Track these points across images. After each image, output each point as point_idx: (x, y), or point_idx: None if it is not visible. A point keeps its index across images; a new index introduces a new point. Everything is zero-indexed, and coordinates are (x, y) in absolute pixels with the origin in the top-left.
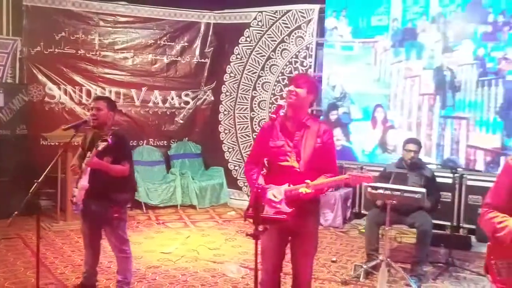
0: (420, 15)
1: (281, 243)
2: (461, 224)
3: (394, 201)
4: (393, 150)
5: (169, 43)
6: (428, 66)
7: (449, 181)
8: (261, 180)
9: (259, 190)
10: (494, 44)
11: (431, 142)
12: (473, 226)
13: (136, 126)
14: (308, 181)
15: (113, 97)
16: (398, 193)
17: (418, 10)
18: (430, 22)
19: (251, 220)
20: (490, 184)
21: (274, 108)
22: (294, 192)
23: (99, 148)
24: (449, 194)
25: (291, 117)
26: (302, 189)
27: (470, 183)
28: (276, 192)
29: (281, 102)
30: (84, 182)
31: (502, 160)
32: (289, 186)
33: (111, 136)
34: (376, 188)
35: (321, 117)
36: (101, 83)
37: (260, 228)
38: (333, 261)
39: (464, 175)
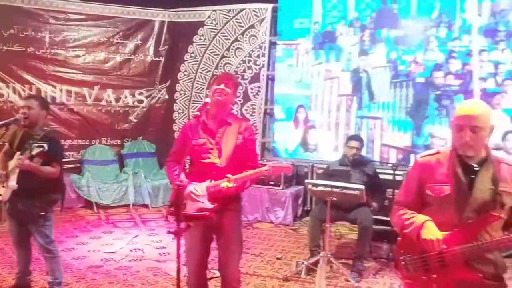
0: (339, 19)
1: (205, 241)
2: None
3: (333, 198)
4: (314, 149)
5: (122, 41)
6: (346, 68)
7: (390, 177)
8: (182, 177)
9: (180, 187)
10: (405, 48)
11: None
12: None
13: (88, 125)
14: (229, 175)
15: (64, 96)
16: (338, 190)
17: (336, 14)
18: (347, 26)
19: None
20: None
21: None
22: (216, 188)
23: (33, 153)
24: (391, 190)
25: (214, 115)
26: (224, 184)
27: None
28: (198, 189)
29: (207, 100)
30: (13, 182)
31: (412, 157)
32: (210, 182)
33: (48, 143)
34: (316, 185)
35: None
36: (51, 81)
37: (182, 225)
38: (278, 258)
39: (406, 172)
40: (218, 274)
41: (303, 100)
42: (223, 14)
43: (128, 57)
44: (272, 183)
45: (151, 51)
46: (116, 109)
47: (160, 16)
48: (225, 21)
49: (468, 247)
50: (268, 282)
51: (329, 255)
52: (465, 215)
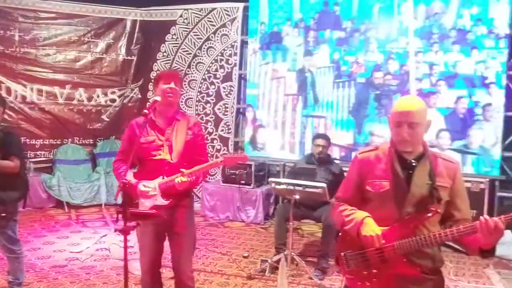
0: (285, 20)
1: (157, 239)
2: None
3: (296, 196)
4: (262, 148)
5: (94, 40)
6: (292, 68)
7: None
8: (130, 177)
9: (126, 186)
10: (347, 49)
11: (294, 140)
12: None
13: (59, 124)
14: (183, 170)
15: (35, 95)
16: (300, 188)
17: (282, 15)
18: (293, 27)
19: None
20: None
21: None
22: (168, 184)
23: None
24: None
25: (162, 113)
26: (178, 179)
27: None
28: (150, 186)
29: (157, 98)
30: None
31: (354, 155)
32: (163, 178)
33: (3, 136)
34: (279, 183)
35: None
36: (21, 80)
37: (132, 223)
38: (244, 257)
39: None
40: None
41: (251, 100)
42: (195, 13)
43: (99, 56)
44: (243, 182)
45: (123, 50)
46: (88, 108)
47: (132, 15)
48: (197, 20)
49: (405, 242)
50: (232, 280)
51: (293, 253)
52: (404, 210)
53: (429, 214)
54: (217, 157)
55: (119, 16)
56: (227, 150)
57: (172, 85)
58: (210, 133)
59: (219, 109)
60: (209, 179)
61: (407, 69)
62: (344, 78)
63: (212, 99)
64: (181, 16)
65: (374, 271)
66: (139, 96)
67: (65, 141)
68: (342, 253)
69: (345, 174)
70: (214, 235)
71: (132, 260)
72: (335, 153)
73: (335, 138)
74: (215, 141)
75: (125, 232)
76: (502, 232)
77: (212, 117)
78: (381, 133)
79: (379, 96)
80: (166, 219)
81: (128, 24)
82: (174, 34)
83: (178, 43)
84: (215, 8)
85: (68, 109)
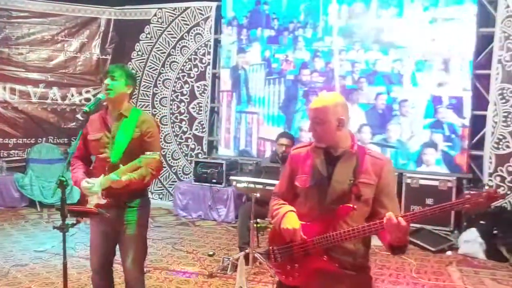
0: None
1: (106, 239)
2: None
3: (257, 194)
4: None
5: (68, 39)
6: (226, 65)
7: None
8: (80, 173)
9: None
10: (277, 47)
11: (230, 135)
12: None
13: (33, 123)
14: (121, 167)
15: (8, 94)
16: (261, 186)
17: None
18: (226, 25)
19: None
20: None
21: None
22: (107, 183)
23: None
24: None
25: (112, 110)
26: (113, 176)
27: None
28: (96, 184)
29: (100, 96)
30: None
31: None
32: (104, 177)
33: None
34: (240, 181)
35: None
36: None
37: (72, 221)
38: (210, 255)
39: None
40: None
41: None
42: (168, 12)
43: (73, 55)
44: (214, 181)
45: (97, 49)
46: (62, 108)
47: (106, 13)
48: (171, 19)
49: (323, 237)
50: (193, 278)
51: (254, 252)
52: (326, 206)
53: (346, 211)
54: (188, 156)
55: (93, 15)
56: (201, 149)
57: (107, 81)
58: (184, 132)
59: (193, 108)
60: (182, 177)
61: (332, 66)
62: (275, 75)
63: (186, 98)
64: (155, 15)
65: (297, 265)
66: None
67: (39, 140)
68: (271, 247)
69: None
70: (184, 233)
71: None
72: (267, 147)
73: (267, 133)
74: (189, 140)
75: (62, 229)
76: (405, 229)
77: (186, 116)
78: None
79: (307, 92)
80: (114, 218)
81: (103, 23)
82: (149, 33)
83: (152, 42)
84: (188, 7)
85: (42, 108)
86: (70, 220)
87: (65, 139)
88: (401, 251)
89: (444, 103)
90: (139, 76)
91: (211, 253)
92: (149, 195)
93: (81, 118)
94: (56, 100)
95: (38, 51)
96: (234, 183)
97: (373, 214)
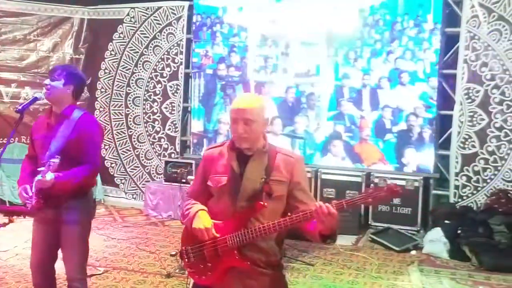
0: None
1: (46, 240)
2: None
3: None
4: None
5: (40, 39)
6: None
7: (307, 175)
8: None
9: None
10: (197, 42)
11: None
12: None
13: (5, 123)
14: (41, 168)
15: None
16: None
17: None
18: None
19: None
20: (343, 178)
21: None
22: (41, 182)
23: None
24: None
25: (54, 110)
26: (37, 177)
27: (324, 176)
28: (33, 184)
29: (37, 95)
30: None
31: (205, 142)
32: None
33: None
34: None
35: None
36: None
37: (4, 220)
38: (172, 255)
39: (319, 169)
40: (100, 271)
41: None
42: (141, 11)
43: (46, 55)
44: (184, 180)
45: (71, 48)
46: (35, 107)
47: (80, 13)
48: (144, 19)
49: (236, 235)
50: (149, 278)
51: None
52: (238, 204)
53: (257, 208)
54: (150, 158)
55: (66, 14)
56: (174, 149)
57: (47, 81)
58: (157, 132)
59: (166, 108)
60: (155, 177)
61: (246, 61)
62: (195, 69)
63: (159, 98)
64: (128, 14)
65: (209, 264)
66: (88, 95)
67: (12, 140)
68: (183, 247)
69: None
70: (150, 233)
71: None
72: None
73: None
74: (162, 140)
75: None
76: (335, 217)
77: (159, 116)
78: (227, 121)
79: (224, 86)
80: (54, 219)
81: (76, 22)
82: (122, 33)
83: (125, 42)
84: (161, 7)
85: (14, 108)
86: (2, 220)
87: None
88: (332, 239)
89: (345, 96)
90: (112, 76)
91: (173, 253)
92: (123, 194)
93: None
94: (29, 100)
95: (10, 50)
96: (192, 182)
97: (290, 209)
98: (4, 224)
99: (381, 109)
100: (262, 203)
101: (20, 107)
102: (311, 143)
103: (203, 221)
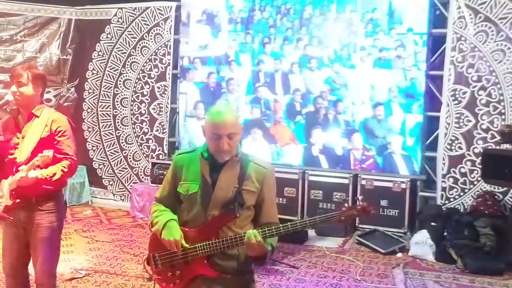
0: None
1: (17, 242)
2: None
3: None
4: None
5: (27, 39)
6: None
7: (295, 177)
8: None
9: None
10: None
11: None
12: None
13: None
14: (22, 166)
15: None
16: None
17: None
18: None
19: None
20: (330, 180)
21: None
22: (14, 182)
23: None
24: (294, 189)
25: (22, 111)
26: (18, 175)
27: (312, 178)
28: (4, 186)
29: (8, 97)
30: None
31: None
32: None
33: None
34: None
35: None
36: None
37: None
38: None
39: (307, 171)
40: (82, 274)
41: None
42: (129, 12)
43: (33, 55)
44: None
45: (58, 49)
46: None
47: (67, 13)
48: (131, 19)
49: (204, 245)
50: (130, 282)
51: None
52: (209, 213)
53: (227, 218)
54: (137, 159)
55: (54, 15)
56: (162, 150)
57: (13, 87)
58: (145, 133)
59: (153, 109)
60: (143, 179)
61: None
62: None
63: (147, 99)
64: (115, 15)
65: (178, 272)
66: (76, 95)
67: None
68: (151, 254)
69: (280, 175)
70: (136, 236)
71: None
72: None
73: None
74: (150, 141)
75: None
76: (255, 245)
77: (147, 117)
78: None
79: None
80: (25, 220)
81: (63, 23)
82: (109, 33)
83: (113, 43)
84: (148, 7)
85: (1, 109)
86: None
87: None
88: (261, 263)
89: (261, 81)
90: (100, 77)
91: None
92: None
93: None
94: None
95: None
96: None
97: (256, 220)
98: None
99: (292, 92)
100: (234, 213)
101: None
102: None
103: (173, 232)
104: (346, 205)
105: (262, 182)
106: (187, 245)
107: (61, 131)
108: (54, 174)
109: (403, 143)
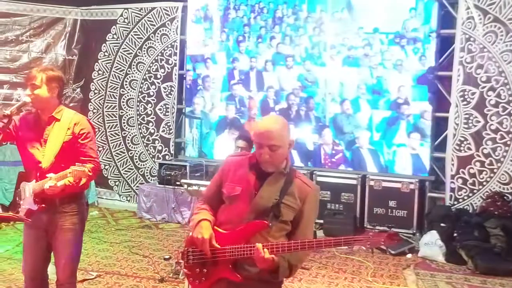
0: None
1: (39, 245)
2: None
3: None
4: None
5: (33, 39)
6: None
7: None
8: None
9: None
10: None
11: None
12: (321, 221)
13: None
14: (51, 174)
15: None
16: None
17: None
18: None
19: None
20: (338, 180)
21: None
22: (40, 189)
23: None
24: None
25: (41, 113)
26: (47, 184)
27: (320, 179)
28: (26, 190)
29: (26, 99)
30: None
31: None
32: (36, 182)
33: None
34: (190, 184)
35: None
36: None
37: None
38: (165, 259)
39: (314, 172)
40: (93, 276)
41: None
42: (135, 12)
43: (39, 56)
44: (178, 183)
45: (64, 49)
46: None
47: (73, 14)
48: (137, 20)
49: (230, 248)
50: (143, 283)
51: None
52: (246, 217)
53: (260, 226)
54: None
55: (59, 15)
56: (169, 151)
57: (28, 90)
58: (151, 134)
59: (160, 109)
60: (150, 179)
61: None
62: None
63: (153, 99)
64: (121, 15)
65: (205, 270)
66: (81, 96)
67: (4, 142)
68: (186, 248)
69: None
70: (144, 237)
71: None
72: None
73: None
74: (156, 142)
75: None
76: (268, 262)
77: (153, 118)
78: None
79: None
80: (48, 223)
81: (69, 23)
82: (115, 34)
83: (119, 43)
84: (154, 8)
85: (6, 109)
86: None
87: None
88: (273, 277)
89: (236, 78)
90: (106, 77)
91: (167, 256)
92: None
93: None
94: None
95: (1, 51)
96: (185, 186)
97: (291, 234)
98: None
99: (266, 89)
100: (266, 222)
101: (8, 112)
102: (206, 122)
103: (203, 231)
104: (372, 231)
105: (304, 200)
106: (217, 245)
107: (84, 133)
108: (81, 179)
109: (370, 138)
